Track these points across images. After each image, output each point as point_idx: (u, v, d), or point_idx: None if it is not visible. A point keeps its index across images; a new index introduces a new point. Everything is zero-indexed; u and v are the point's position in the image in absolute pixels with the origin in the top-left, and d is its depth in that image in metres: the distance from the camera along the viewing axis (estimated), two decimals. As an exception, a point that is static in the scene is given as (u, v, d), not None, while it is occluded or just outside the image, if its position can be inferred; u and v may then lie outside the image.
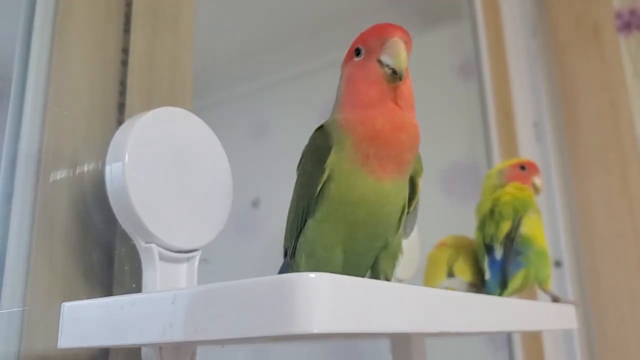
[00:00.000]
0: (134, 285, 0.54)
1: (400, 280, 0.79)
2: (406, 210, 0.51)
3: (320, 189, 0.48)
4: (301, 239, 0.50)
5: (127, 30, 0.61)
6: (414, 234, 0.84)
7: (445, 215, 1.58)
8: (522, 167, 0.83)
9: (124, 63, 0.60)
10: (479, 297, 0.49)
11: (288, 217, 0.53)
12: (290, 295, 0.31)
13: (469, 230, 1.47)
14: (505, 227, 0.76)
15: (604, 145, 1.41)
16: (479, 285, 0.79)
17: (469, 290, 0.77)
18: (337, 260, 0.49)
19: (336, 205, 0.47)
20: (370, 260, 0.52)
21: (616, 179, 1.38)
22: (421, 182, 0.52)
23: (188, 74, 0.65)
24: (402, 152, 0.47)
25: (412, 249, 0.83)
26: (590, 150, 1.42)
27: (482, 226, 0.80)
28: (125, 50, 0.60)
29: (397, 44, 0.47)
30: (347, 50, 0.52)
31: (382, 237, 0.50)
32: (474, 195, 1.58)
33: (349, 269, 0.50)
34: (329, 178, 0.47)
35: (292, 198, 0.52)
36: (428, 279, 0.83)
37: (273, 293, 0.32)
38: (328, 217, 0.48)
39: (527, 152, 1.43)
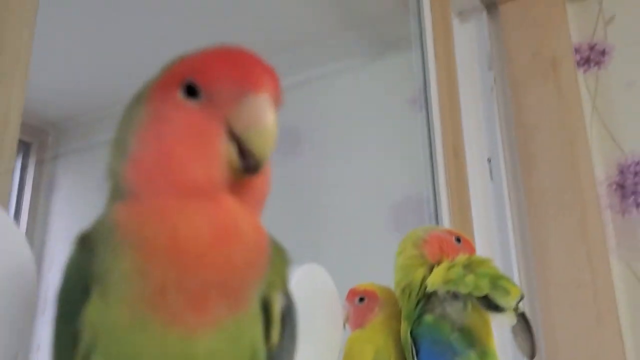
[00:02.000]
0: None
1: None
2: (263, 356, 0.31)
3: None
4: None
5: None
6: (335, 305, 0.67)
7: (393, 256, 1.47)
8: (458, 240, 0.68)
9: None
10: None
11: None
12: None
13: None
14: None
15: (562, 186, 1.31)
16: None
17: None
18: None
19: None
20: None
21: (575, 223, 1.28)
22: (279, 299, 0.32)
23: (15, 113, 0.45)
24: (233, 276, 0.27)
25: (333, 326, 0.66)
26: (547, 191, 1.32)
27: (410, 314, 0.64)
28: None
29: (263, 110, 0.28)
30: (164, 72, 0.30)
31: None
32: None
33: None
34: (90, 344, 0.26)
35: None
36: None
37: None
38: None
39: (478, 190, 1.32)
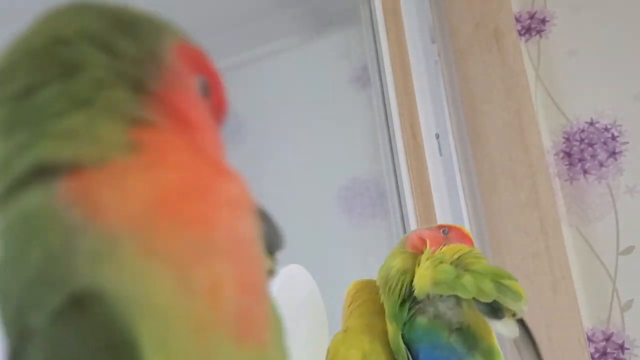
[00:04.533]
0: None
1: None
2: None
3: None
4: None
5: None
6: (319, 304, 0.61)
7: (345, 238, 1.44)
8: (444, 232, 0.63)
9: None
10: None
11: None
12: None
13: (375, 253, 1.27)
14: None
15: (512, 157, 1.31)
16: None
17: None
18: None
19: None
20: None
21: (526, 194, 1.28)
22: None
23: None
24: None
25: (319, 325, 0.59)
26: (497, 163, 1.32)
27: (396, 315, 0.57)
28: None
29: None
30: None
31: None
32: (375, 212, 1.44)
33: None
34: None
35: None
36: None
37: None
38: None
39: (432, 166, 1.30)
